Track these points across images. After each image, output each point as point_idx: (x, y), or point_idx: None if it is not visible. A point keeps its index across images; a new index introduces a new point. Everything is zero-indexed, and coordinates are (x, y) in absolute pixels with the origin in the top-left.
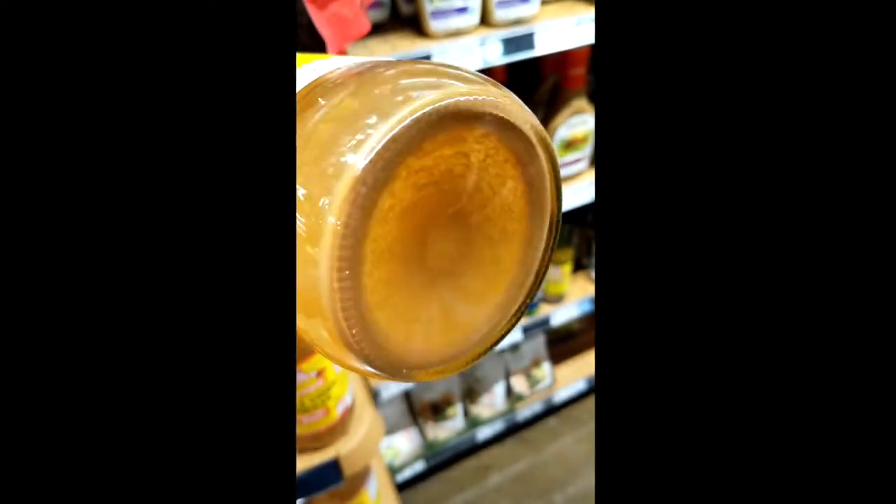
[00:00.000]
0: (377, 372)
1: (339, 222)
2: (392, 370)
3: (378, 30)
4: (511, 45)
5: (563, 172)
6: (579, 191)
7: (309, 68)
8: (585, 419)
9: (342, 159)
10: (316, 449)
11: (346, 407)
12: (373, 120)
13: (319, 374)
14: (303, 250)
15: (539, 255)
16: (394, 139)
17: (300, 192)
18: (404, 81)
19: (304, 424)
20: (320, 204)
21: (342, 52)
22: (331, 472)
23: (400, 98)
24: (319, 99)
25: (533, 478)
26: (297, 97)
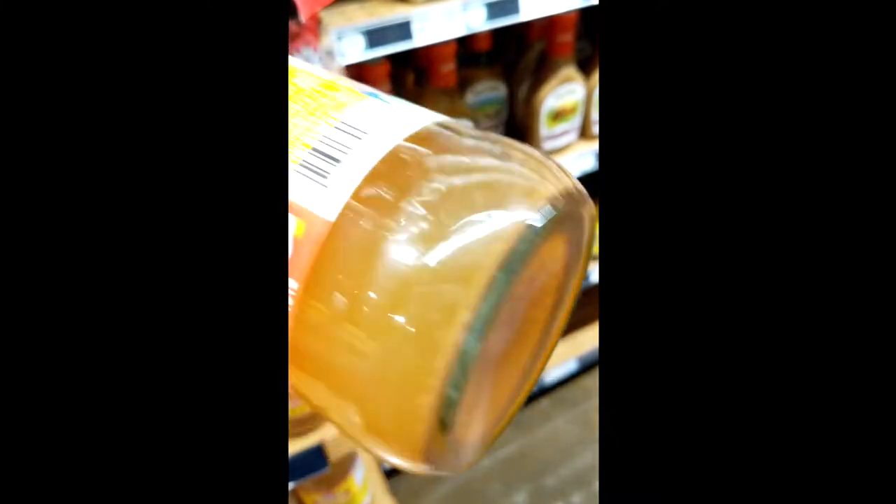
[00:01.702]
0: (439, 471)
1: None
2: (457, 467)
3: None
4: (495, 9)
5: (551, 145)
6: (568, 164)
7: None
8: (577, 400)
9: (457, 335)
10: (300, 434)
11: None
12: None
13: None
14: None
15: (569, 298)
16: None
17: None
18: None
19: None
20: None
21: (315, 18)
22: (316, 458)
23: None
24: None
25: (524, 460)
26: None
